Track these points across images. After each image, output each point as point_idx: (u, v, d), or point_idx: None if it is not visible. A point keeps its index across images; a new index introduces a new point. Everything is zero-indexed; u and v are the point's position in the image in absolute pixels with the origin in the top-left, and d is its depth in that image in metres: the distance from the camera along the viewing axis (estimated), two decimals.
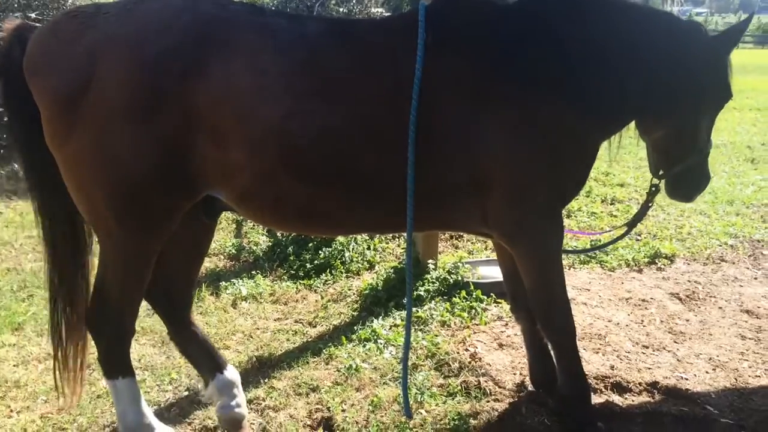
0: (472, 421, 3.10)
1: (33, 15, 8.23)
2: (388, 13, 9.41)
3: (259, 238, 5.65)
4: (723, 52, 2.72)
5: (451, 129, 2.51)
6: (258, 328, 4.14)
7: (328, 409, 3.22)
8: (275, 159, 2.44)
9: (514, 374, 3.54)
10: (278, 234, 5.49)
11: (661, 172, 2.98)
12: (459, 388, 3.39)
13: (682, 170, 2.90)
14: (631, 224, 3.19)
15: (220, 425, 3.05)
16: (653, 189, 3.06)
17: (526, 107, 2.53)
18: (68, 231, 2.73)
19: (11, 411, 3.25)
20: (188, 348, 3.06)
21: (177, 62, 2.36)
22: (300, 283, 4.80)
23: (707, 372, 3.61)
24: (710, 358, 3.75)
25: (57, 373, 2.87)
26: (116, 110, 2.35)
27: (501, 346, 3.88)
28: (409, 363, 3.62)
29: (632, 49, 2.62)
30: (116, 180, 2.44)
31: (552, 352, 3.00)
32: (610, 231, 3.91)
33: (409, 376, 3.49)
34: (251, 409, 3.25)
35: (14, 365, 3.67)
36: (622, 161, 8.63)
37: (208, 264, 5.24)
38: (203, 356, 3.04)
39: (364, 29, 2.68)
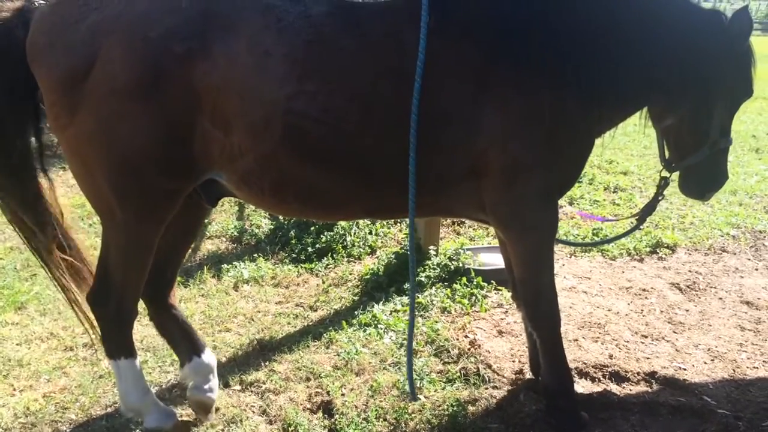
0: (471, 408, 3.13)
1: None
2: None
3: (261, 221, 5.66)
4: (737, 43, 2.65)
5: (453, 113, 2.51)
6: (259, 311, 4.16)
7: (328, 393, 3.24)
8: (278, 141, 2.45)
9: (513, 362, 3.56)
10: (280, 217, 5.50)
11: (672, 165, 2.95)
12: (458, 374, 3.41)
13: (694, 164, 2.85)
14: (641, 218, 3.15)
15: (190, 406, 3.06)
16: (662, 182, 3.02)
17: (528, 92, 2.52)
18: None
19: (14, 389, 3.29)
20: (168, 329, 3.07)
21: (180, 43, 2.36)
22: (301, 267, 4.81)
23: (705, 363, 3.62)
24: (709, 349, 3.77)
25: None
26: (119, 91, 2.36)
27: (501, 333, 3.90)
28: (412, 350, 3.65)
29: (642, 35, 2.58)
30: (118, 161, 2.45)
31: (536, 341, 3.01)
32: (626, 218, 3.86)
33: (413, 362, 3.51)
34: (251, 391, 3.28)
35: (17, 344, 3.70)
36: (626, 149, 8.61)
37: (210, 246, 5.26)
38: (182, 338, 3.06)
39: (368, 11, 2.66)
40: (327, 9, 2.55)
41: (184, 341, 3.06)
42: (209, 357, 3.07)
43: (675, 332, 3.97)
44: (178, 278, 4.52)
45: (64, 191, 6.30)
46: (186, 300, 4.28)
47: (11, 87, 2.54)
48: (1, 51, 2.49)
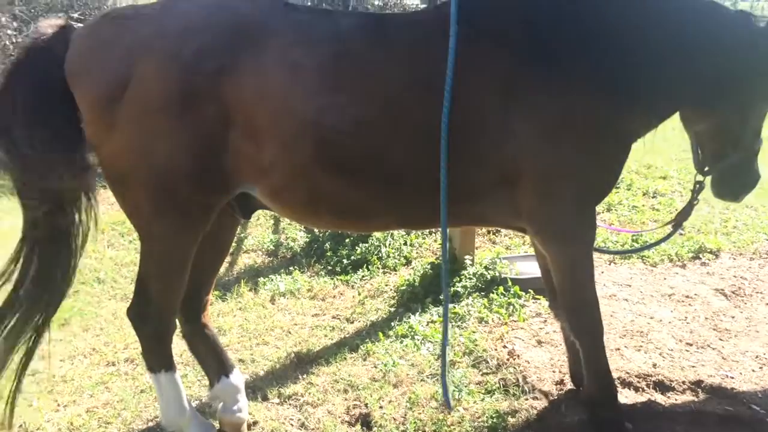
0: (511, 419, 3.08)
1: (75, 15, 8.43)
2: (424, 5, 9.37)
3: (296, 234, 5.69)
4: None
5: (484, 122, 2.49)
6: (296, 324, 4.18)
7: (366, 405, 3.23)
8: (309, 154, 2.46)
9: (554, 372, 3.50)
10: (315, 230, 5.53)
11: (706, 168, 2.90)
12: (497, 385, 3.37)
13: (729, 167, 2.81)
14: (677, 224, 3.10)
15: (222, 427, 3.07)
16: (698, 186, 2.97)
17: (560, 98, 2.49)
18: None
19: (58, 405, 3.35)
20: (198, 348, 3.11)
21: (212, 60, 2.40)
22: (337, 279, 4.82)
23: (753, 370, 3.51)
24: (757, 356, 3.65)
25: None
26: (153, 109, 2.41)
27: (540, 343, 3.84)
28: (447, 359, 3.62)
29: (675, 39, 2.55)
30: (154, 178, 2.49)
31: (578, 351, 2.96)
32: (652, 229, 3.80)
33: (447, 372, 3.48)
34: (290, 404, 3.29)
35: (61, 360, 3.77)
36: (665, 153, 8.43)
37: (246, 260, 5.31)
38: (212, 358, 3.09)
39: (396, 23, 2.67)
40: (356, 21, 2.58)
41: (213, 361, 3.08)
42: (237, 377, 3.09)
43: (721, 339, 3.86)
44: (216, 292, 4.58)
45: (105, 208, 6.43)
46: (224, 314, 4.32)
47: (51, 103, 2.55)
48: (44, 68, 2.55)
